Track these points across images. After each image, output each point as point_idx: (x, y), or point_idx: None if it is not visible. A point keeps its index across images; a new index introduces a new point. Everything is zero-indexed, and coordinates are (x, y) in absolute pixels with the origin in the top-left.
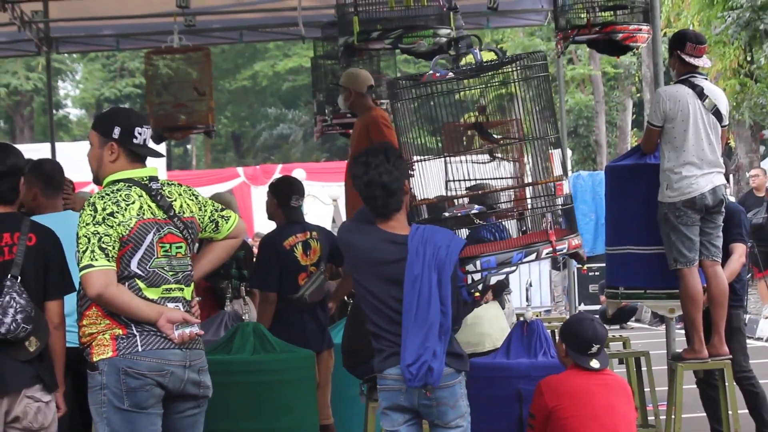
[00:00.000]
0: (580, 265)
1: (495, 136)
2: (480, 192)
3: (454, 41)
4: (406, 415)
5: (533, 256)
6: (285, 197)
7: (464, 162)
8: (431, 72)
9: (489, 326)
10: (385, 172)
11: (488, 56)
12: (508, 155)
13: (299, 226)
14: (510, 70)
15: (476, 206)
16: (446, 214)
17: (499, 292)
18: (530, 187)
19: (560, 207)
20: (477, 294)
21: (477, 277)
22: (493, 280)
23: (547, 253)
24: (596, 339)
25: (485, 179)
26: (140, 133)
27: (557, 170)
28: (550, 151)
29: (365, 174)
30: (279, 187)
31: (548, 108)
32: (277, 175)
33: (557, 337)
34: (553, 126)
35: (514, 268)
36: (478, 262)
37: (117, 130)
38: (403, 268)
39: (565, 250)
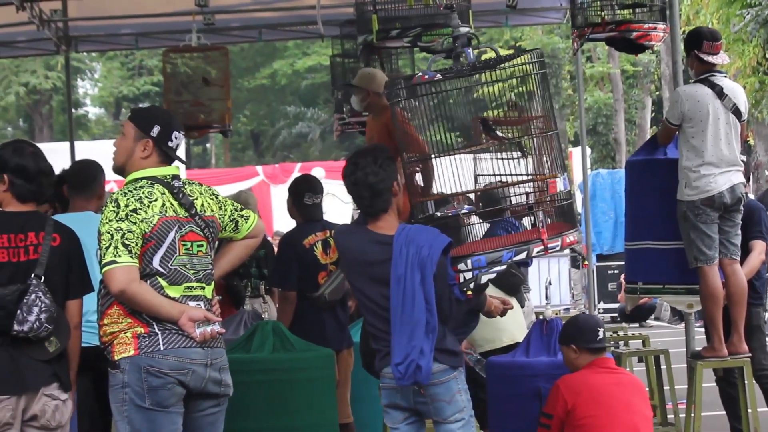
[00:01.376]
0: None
1: (499, 133)
2: (476, 190)
3: (452, 40)
4: (405, 413)
5: (524, 255)
6: (299, 195)
7: (476, 159)
8: (420, 74)
9: (505, 321)
10: (372, 173)
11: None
12: (526, 150)
13: (319, 225)
14: (504, 67)
15: (466, 206)
16: (438, 214)
17: (517, 288)
18: (527, 183)
19: (553, 203)
20: (470, 293)
21: (469, 275)
22: (484, 278)
23: (538, 251)
24: (598, 324)
25: (497, 174)
26: (176, 137)
27: (555, 167)
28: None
29: (352, 174)
30: (293, 185)
31: (547, 105)
32: (296, 173)
33: (563, 347)
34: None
35: (504, 266)
36: (469, 261)
37: (156, 129)
38: (389, 268)
39: (558, 248)
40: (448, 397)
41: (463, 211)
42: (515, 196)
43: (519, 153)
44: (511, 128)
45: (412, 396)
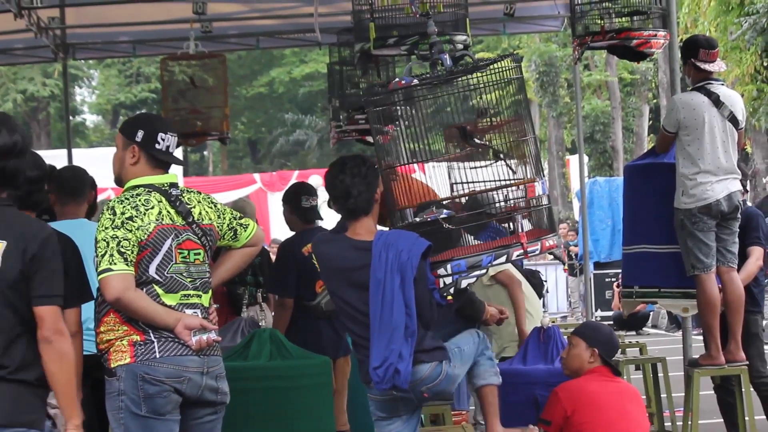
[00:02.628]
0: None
1: (477, 140)
2: (459, 195)
3: (429, 46)
4: (403, 417)
5: (503, 259)
6: (295, 199)
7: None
8: (397, 79)
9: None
10: (351, 176)
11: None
12: (503, 155)
13: (318, 233)
14: (481, 75)
15: (444, 211)
16: (416, 219)
17: (540, 288)
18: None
19: (530, 207)
20: (450, 297)
21: (449, 280)
22: (464, 283)
23: (518, 255)
24: (618, 346)
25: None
26: (163, 139)
27: (531, 171)
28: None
29: (341, 173)
30: (288, 193)
31: (524, 110)
32: (293, 181)
33: (581, 343)
34: (528, 127)
35: (484, 270)
36: (448, 266)
37: (140, 134)
38: (368, 274)
39: (537, 252)
40: (449, 385)
41: (442, 216)
42: (498, 203)
43: (494, 159)
44: (490, 134)
45: (417, 399)
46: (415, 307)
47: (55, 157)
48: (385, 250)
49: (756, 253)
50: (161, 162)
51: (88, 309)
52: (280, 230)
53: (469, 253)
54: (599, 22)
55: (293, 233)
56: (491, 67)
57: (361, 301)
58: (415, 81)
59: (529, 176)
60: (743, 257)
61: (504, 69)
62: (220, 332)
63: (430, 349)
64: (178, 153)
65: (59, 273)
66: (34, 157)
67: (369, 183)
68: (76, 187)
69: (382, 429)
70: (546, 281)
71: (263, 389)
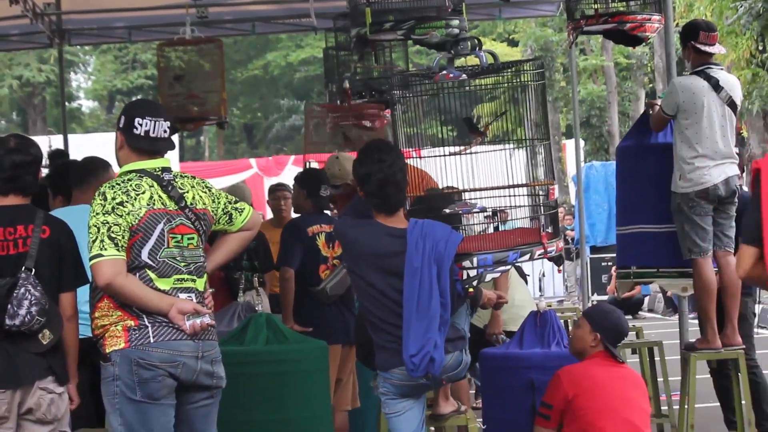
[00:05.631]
0: (557, 265)
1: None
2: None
3: (455, 42)
4: (411, 401)
5: (527, 257)
6: (314, 187)
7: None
8: (444, 72)
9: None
10: (399, 170)
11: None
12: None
13: (325, 218)
14: (512, 72)
15: (478, 206)
16: (447, 211)
17: (523, 275)
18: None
19: (551, 210)
20: (471, 290)
21: (472, 273)
22: (489, 277)
23: (539, 254)
24: (626, 332)
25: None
26: (140, 124)
27: (548, 174)
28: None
29: (380, 171)
30: (307, 178)
31: (544, 114)
32: (290, 166)
33: (586, 325)
34: (545, 131)
35: (509, 267)
36: (475, 259)
37: (122, 120)
38: (402, 261)
39: (553, 252)
40: (466, 370)
41: (475, 210)
42: (514, 196)
43: (513, 147)
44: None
45: (432, 387)
46: (449, 297)
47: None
48: (422, 239)
49: None
50: (142, 148)
51: (85, 293)
52: None
53: (491, 247)
54: (594, 6)
55: (300, 215)
56: (514, 69)
57: (390, 287)
58: (464, 76)
59: (548, 178)
60: (737, 244)
61: (528, 71)
62: (216, 317)
63: (453, 339)
64: (174, 138)
65: None
66: (22, 142)
67: (406, 174)
68: (81, 175)
69: (393, 406)
70: (529, 275)
71: (260, 374)
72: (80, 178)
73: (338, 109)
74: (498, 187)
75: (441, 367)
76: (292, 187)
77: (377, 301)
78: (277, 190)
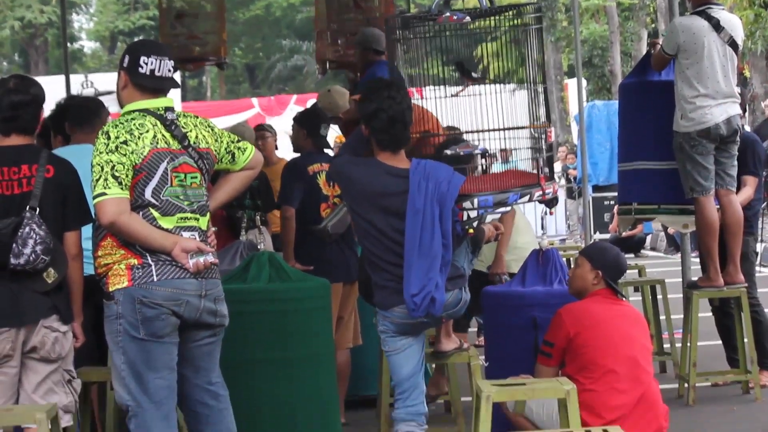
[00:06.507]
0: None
1: (474, 75)
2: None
3: None
4: (410, 338)
5: (527, 198)
6: (315, 127)
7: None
8: (448, 14)
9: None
10: (408, 107)
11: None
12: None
13: (324, 156)
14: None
15: (479, 147)
16: (448, 152)
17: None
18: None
19: (547, 153)
20: (471, 230)
21: (473, 214)
22: (489, 218)
23: (537, 196)
24: (625, 268)
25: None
26: (146, 63)
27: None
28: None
29: (390, 108)
30: (308, 117)
31: (541, 57)
32: (292, 105)
33: (586, 264)
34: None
35: (509, 208)
36: (476, 200)
37: (126, 59)
38: (404, 201)
39: (550, 195)
40: (465, 307)
41: (477, 152)
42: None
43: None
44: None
45: (433, 325)
46: (451, 238)
47: (52, 83)
48: (424, 179)
49: (750, 182)
50: (146, 87)
51: (89, 232)
52: (279, 154)
53: (492, 188)
54: None
55: (300, 154)
56: (510, 12)
57: (390, 227)
58: (467, 18)
59: (545, 121)
60: (738, 185)
61: (525, 14)
62: (219, 255)
63: (453, 277)
64: (160, 69)
65: None
66: (22, 82)
67: (412, 113)
68: (84, 116)
69: (393, 344)
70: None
71: (262, 312)
72: (82, 118)
73: None
74: (498, 129)
75: (442, 307)
76: (291, 128)
77: (376, 240)
78: (257, 130)
